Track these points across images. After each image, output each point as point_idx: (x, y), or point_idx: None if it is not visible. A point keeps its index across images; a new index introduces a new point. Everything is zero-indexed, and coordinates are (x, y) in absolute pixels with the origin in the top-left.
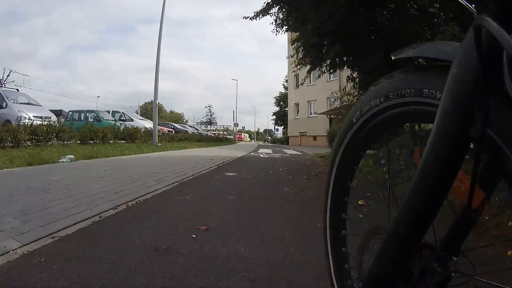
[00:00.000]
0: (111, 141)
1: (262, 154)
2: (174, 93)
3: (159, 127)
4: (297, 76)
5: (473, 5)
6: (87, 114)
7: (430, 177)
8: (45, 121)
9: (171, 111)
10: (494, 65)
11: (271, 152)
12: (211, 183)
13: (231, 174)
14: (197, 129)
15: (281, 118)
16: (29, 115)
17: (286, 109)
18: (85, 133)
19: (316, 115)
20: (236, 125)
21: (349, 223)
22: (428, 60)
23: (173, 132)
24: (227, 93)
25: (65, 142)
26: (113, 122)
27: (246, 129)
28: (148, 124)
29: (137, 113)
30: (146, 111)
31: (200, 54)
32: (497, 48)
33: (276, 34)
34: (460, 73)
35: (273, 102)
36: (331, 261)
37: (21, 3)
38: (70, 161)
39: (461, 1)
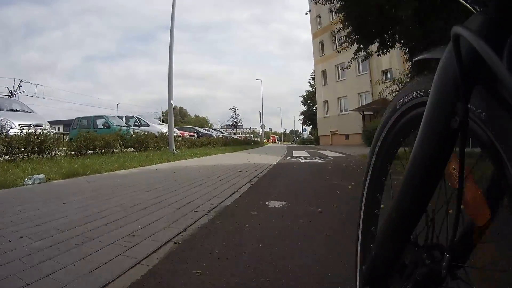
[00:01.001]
0: (116, 150)
1: (301, 159)
2: (202, 98)
3: (180, 132)
4: (324, 72)
5: (473, 4)
6: (96, 121)
7: (419, 168)
8: (34, 129)
9: (195, 116)
10: (471, 65)
11: (309, 155)
12: (244, 239)
13: (277, 204)
14: (222, 132)
15: (309, 117)
16: (13, 124)
17: (314, 108)
18: (80, 142)
19: (348, 112)
20: (262, 126)
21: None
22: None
23: (195, 136)
24: (255, 95)
25: (54, 154)
26: (126, 128)
27: (272, 130)
28: (166, 128)
29: (159, 119)
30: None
31: (226, 58)
32: (473, 52)
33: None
34: (443, 69)
35: (300, 101)
36: (359, 236)
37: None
38: (39, 182)
39: (462, 1)
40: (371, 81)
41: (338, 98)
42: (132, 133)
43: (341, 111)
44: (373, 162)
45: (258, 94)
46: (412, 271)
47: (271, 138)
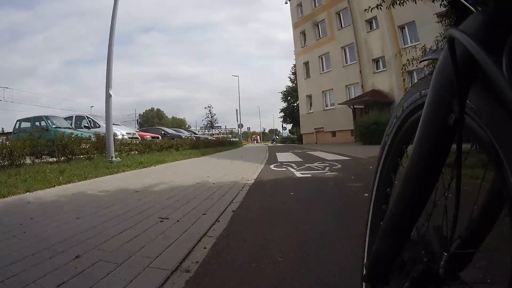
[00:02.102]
0: (27, 161)
1: (293, 168)
2: (182, 100)
3: (140, 133)
4: (306, 64)
5: (473, 3)
6: (36, 123)
7: (418, 165)
8: None
9: (173, 117)
10: (466, 66)
11: (300, 159)
12: None
13: None
14: (195, 133)
15: (290, 114)
16: None
17: (295, 104)
18: None
19: (334, 106)
20: (240, 126)
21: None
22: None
23: (159, 138)
24: (235, 96)
25: None
26: (69, 130)
27: (251, 130)
28: (123, 130)
29: (137, 122)
30: (147, 118)
31: (206, 59)
32: (468, 53)
33: None
34: (440, 68)
35: (280, 98)
36: (368, 232)
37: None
38: None
39: (462, 1)
40: (360, 71)
41: (323, 91)
42: (79, 135)
43: (327, 106)
44: (383, 158)
45: (236, 95)
46: (410, 268)
47: (254, 138)
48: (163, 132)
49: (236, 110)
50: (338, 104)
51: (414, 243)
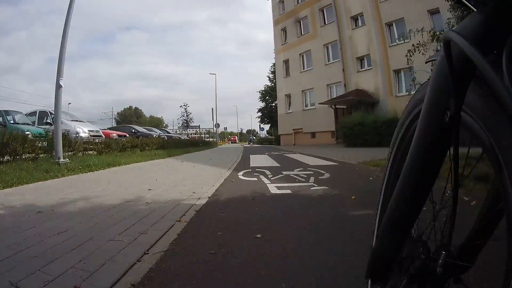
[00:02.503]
0: None
1: (266, 177)
2: (160, 99)
3: (105, 131)
4: (286, 62)
5: (473, 3)
6: None
7: (417, 163)
8: None
9: (151, 116)
10: (462, 67)
11: (277, 164)
12: None
13: None
14: (168, 132)
15: (268, 114)
16: None
17: (274, 104)
18: None
19: (315, 107)
20: (216, 125)
21: None
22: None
23: (127, 136)
24: (213, 95)
25: None
26: (27, 126)
27: (229, 130)
28: (86, 127)
29: (115, 119)
30: (125, 117)
31: (185, 59)
32: (462, 52)
33: None
34: (437, 69)
35: (258, 98)
36: (376, 227)
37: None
38: None
39: (462, 1)
40: (343, 69)
41: (302, 91)
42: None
43: (306, 106)
44: (392, 157)
45: (214, 95)
46: (409, 264)
47: (232, 138)
48: (133, 131)
49: (212, 109)
50: (319, 103)
51: (413, 240)
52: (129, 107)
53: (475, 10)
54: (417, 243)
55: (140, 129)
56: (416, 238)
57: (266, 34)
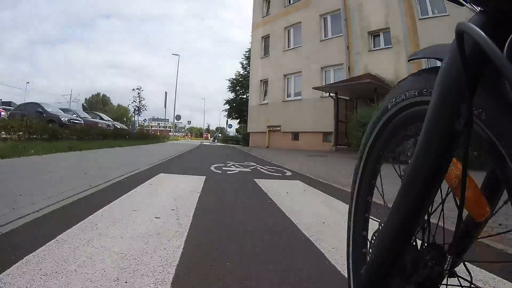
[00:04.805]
0: None
1: None
2: (131, 90)
3: None
4: (266, 39)
5: (473, 4)
6: None
7: (422, 169)
8: None
9: (118, 105)
10: (475, 64)
11: None
12: None
13: None
14: (102, 119)
15: (236, 108)
16: None
17: (244, 96)
18: None
19: (300, 97)
20: (177, 117)
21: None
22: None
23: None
24: (184, 90)
25: None
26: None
27: (197, 126)
28: None
29: (82, 106)
30: (92, 103)
31: (160, 51)
32: (479, 50)
33: None
34: (447, 70)
35: (226, 89)
36: (351, 241)
37: None
38: None
39: (462, 1)
40: (348, 47)
41: (285, 75)
42: None
43: (289, 96)
44: (362, 164)
45: (184, 90)
46: (413, 272)
47: (205, 135)
48: (39, 110)
49: (166, 92)
50: (314, 88)
51: (416, 247)
52: (97, 93)
53: (475, 11)
54: (422, 250)
55: (51, 109)
56: (418, 245)
57: (241, 35)
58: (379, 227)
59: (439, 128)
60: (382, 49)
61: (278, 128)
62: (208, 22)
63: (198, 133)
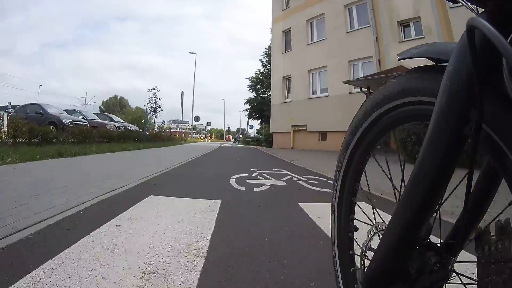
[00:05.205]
0: None
1: None
2: (146, 91)
3: None
4: (287, 33)
5: (474, 5)
6: None
7: (427, 174)
8: None
9: (137, 107)
10: (487, 64)
11: None
12: None
13: None
14: (112, 120)
15: (257, 107)
16: None
17: (265, 95)
18: None
19: (327, 94)
20: (196, 119)
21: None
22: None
23: None
24: (200, 91)
25: None
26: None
27: (217, 128)
28: None
29: (99, 109)
30: (108, 106)
31: (175, 52)
32: (490, 48)
33: None
34: (455, 71)
35: (247, 88)
36: (337, 263)
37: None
38: None
39: (462, 1)
40: (377, 38)
41: (309, 71)
42: None
43: (314, 93)
44: (351, 148)
45: (202, 90)
46: (417, 277)
47: (227, 137)
48: (40, 111)
49: (182, 91)
50: (344, 82)
51: (419, 253)
52: (114, 96)
53: (475, 12)
54: (425, 255)
55: (56, 112)
56: (421, 250)
57: (256, 36)
58: (371, 229)
59: (446, 132)
60: (413, 39)
61: (304, 128)
62: (223, 23)
63: (218, 134)
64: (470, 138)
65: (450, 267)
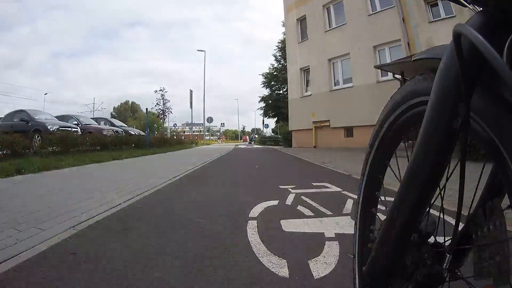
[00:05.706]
0: None
1: None
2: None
3: None
4: (302, 21)
5: (473, 4)
6: None
7: (421, 168)
8: None
9: (148, 111)
10: (474, 64)
11: None
12: None
13: None
14: (113, 125)
15: (273, 105)
16: None
17: (281, 91)
18: None
19: (351, 84)
20: (209, 120)
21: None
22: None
23: None
24: (214, 94)
25: None
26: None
27: (231, 128)
28: None
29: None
30: (120, 112)
31: (188, 56)
32: (475, 51)
33: None
34: (445, 69)
35: (261, 85)
36: (357, 236)
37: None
38: None
39: (462, 1)
40: (403, 19)
41: (329, 60)
42: None
43: (336, 84)
44: (371, 160)
45: (217, 93)
46: (413, 271)
47: (243, 138)
48: (25, 118)
49: (190, 90)
50: (375, 67)
51: (416, 246)
52: (125, 101)
53: (475, 11)
54: (421, 249)
55: (42, 118)
56: (418, 243)
57: (269, 34)
58: (380, 225)
59: (437, 127)
60: (444, 19)
61: (327, 124)
62: (235, 25)
63: (233, 135)
64: (460, 131)
65: (445, 264)
